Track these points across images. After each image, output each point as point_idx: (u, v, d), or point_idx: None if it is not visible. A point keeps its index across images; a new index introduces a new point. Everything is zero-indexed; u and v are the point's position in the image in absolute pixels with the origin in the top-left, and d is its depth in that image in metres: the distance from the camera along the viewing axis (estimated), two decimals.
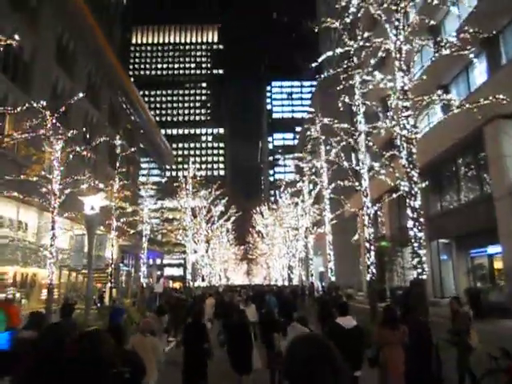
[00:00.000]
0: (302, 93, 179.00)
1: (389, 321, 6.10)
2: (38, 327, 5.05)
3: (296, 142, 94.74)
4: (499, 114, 17.08)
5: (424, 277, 11.35)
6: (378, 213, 34.61)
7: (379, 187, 24.05)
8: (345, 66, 14.24)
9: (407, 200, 11.75)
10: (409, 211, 11.69)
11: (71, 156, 17.68)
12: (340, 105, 15.08)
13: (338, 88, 14.69)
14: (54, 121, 16.48)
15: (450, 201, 24.32)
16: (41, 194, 17.82)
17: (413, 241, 11.49)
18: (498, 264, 20.89)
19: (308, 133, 23.23)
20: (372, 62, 14.77)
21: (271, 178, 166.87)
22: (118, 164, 25.36)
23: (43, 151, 16.75)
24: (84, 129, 37.57)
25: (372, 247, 16.92)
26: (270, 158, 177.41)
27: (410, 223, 11.67)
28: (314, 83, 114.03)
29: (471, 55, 12.08)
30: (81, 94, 17.92)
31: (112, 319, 13.73)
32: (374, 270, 16.81)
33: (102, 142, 39.08)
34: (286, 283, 49.83)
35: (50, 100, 25.69)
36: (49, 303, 17.35)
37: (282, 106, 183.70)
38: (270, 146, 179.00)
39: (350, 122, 19.31)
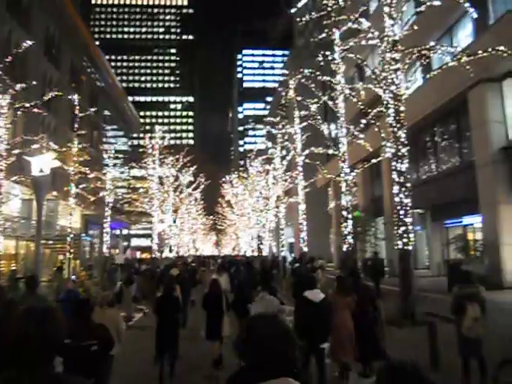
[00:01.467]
0: (273, 62, 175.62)
1: (341, 289, 6.58)
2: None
3: (267, 112, 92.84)
4: (484, 78, 16.14)
5: (410, 247, 10.42)
6: (350, 183, 33.86)
7: (355, 154, 23.05)
8: (327, 10, 12.74)
9: (393, 163, 10.66)
10: (394, 175, 10.62)
11: (19, 112, 15.78)
12: (320, 59, 13.70)
13: (319, 38, 13.32)
14: None
15: (426, 170, 23.60)
16: None
17: (398, 208, 10.47)
18: (473, 235, 20.47)
19: (282, 93, 21.78)
20: (354, 15, 13.42)
21: (241, 149, 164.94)
22: (76, 125, 23.37)
23: None
24: (42, 90, 35.03)
25: (349, 216, 15.94)
26: (241, 128, 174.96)
27: (395, 189, 10.63)
28: (286, 52, 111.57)
29: (466, 4, 10.88)
30: (29, 42, 15.79)
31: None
32: (351, 240, 15.91)
33: (65, 107, 36.41)
34: (256, 254, 49.15)
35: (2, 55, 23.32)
36: None
37: (254, 75, 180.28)
38: (241, 116, 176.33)
39: (326, 87, 18.07)
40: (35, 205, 24.19)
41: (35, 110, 17.16)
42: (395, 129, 10.49)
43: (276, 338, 1.72)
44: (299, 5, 14.26)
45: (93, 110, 25.84)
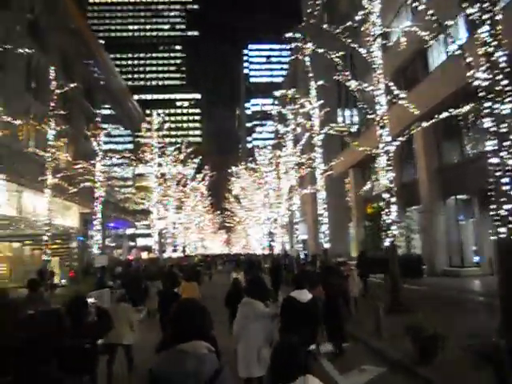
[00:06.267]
0: (280, 56, 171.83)
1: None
2: None
3: (275, 107, 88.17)
4: None
5: None
6: (373, 168, 29.79)
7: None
8: None
9: (486, 104, 6.70)
10: (489, 123, 6.68)
11: None
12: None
13: None
14: None
15: (471, 146, 19.47)
16: None
17: (499, 174, 6.54)
18: None
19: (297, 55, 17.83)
20: None
21: (249, 145, 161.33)
22: (52, 103, 19.68)
23: None
24: (27, 74, 31.66)
25: (393, 199, 11.95)
26: (249, 124, 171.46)
27: (490, 144, 6.70)
28: (293, 46, 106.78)
29: None
30: None
31: None
32: (396, 232, 11.95)
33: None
34: (267, 252, 45.34)
35: None
36: None
37: (261, 69, 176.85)
38: (248, 112, 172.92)
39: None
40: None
41: None
42: (490, 49, 6.54)
43: (191, 315, 2.35)
44: None
45: (72, 85, 21.96)
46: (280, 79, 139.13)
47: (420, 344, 6.38)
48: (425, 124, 11.51)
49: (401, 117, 15.42)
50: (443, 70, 18.63)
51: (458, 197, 20.50)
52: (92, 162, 26.01)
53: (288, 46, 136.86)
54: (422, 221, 21.88)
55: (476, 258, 19.44)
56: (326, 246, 20.39)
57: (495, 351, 4.95)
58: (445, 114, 11.17)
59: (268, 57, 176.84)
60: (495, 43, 6.56)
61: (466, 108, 10.93)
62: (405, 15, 22.85)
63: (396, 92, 12.42)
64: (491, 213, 6.72)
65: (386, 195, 11.90)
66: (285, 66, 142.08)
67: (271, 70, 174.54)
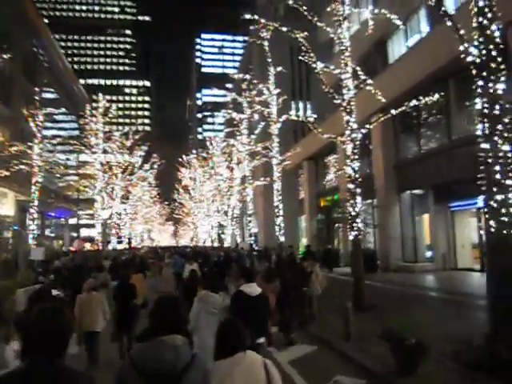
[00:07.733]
0: (234, 48, 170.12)
1: (266, 276, 8.47)
2: None
3: (228, 98, 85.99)
4: None
5: None
6: (328, 161, 29.55)
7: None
8: None
9: (479, 82, 6.02)
10: (479, 105, 6.00)
11: None
12: None
13: None
14: None
15: (427, 141, 19.37)
16: None
17: (490, 160, 5.86)
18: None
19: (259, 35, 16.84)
20: None
21: (200, 136, 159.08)
22: None
23: None
24: None
25: (358, 190, 11.29)
26: (199, 115, 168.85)
27: (481, 128, 6.02)
28: (247, 38, 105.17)
29: None
30: None
31: None
32: (361, 225, 11.34)
33: None
34: (216, 245, 44.34)
35: None
36: None
37: (213, 60, 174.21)
38: (200, 103, 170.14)
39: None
40: None
41: None
42: (485, 21, 5.84)
43: (168, 309, 2.51)
44: None
45: (6, 56, 19.85)
46: (232, 71, 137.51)
47: (403, 354, 5.61)
48: (393, 112, 10.89)
49: (364, 105, 14.86)
50: (409, 57, 18.49)
51: (413, 191, 20.37)
52: (29, 144, 23.91)
53: (242, 38, 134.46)
54: (377, 215, 21.67)
55: (429, 253, 19.38)
56: (282, 238, 19.63)
57: (497, 360, 4.21)
58: (414, 102, 10.64)
59: (220, 47, 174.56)
60: (490, 15, 5.86)
61: (436, 96, 10.45)
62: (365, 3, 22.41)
63: (363, 77, 11.73)
64: (491, 203, 5.98)
65: (350, 185, 11.22)
66: (237, 58, 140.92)
67: (223, 61, 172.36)
